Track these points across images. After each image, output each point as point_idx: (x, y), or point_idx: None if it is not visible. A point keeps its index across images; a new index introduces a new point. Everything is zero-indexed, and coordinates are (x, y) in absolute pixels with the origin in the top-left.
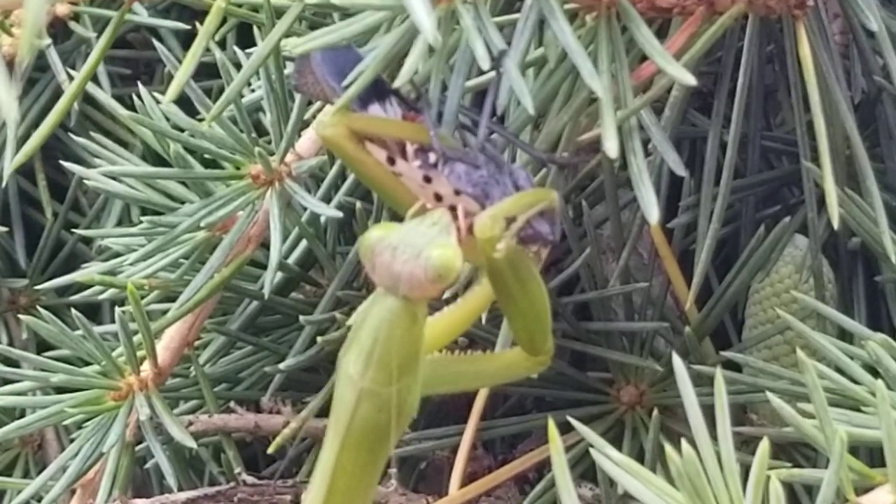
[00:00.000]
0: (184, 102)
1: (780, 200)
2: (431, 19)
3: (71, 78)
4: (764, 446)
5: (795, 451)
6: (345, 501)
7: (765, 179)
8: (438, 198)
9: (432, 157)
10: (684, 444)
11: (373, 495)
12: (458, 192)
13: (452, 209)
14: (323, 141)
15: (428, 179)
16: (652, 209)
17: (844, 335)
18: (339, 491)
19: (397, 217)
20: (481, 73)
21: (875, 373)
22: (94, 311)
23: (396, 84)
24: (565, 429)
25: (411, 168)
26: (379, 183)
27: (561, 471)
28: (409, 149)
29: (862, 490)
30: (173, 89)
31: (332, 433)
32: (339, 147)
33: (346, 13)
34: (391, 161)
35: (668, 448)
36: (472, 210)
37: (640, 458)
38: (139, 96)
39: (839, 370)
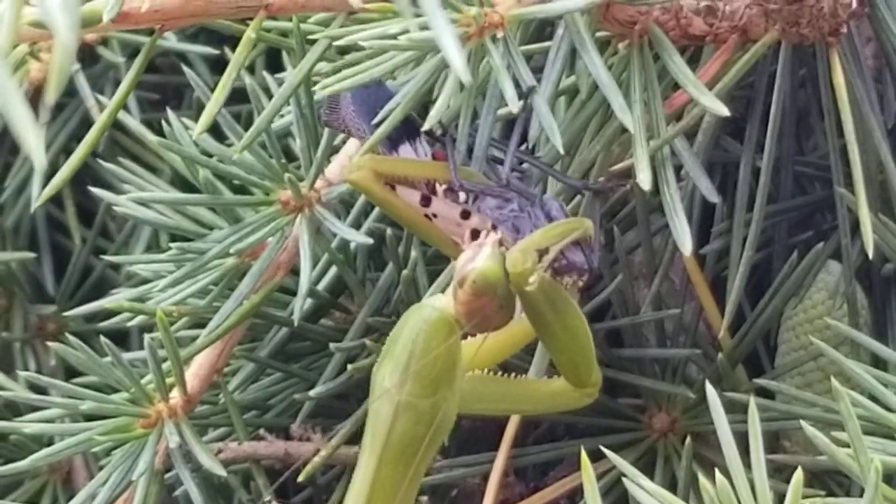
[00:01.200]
0: (213, 128)
1: (812, 226)
2: (463, 58)
3: (99, 103)
4: (798, 475)
5: (829, 478)
6: None
7: (797, 205)
8: (475, 235)
9: (462, 196)
10: (717, 473)
11: None
12: (494, 227)
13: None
14: (350, 184)
15: (466, 215)
16: (685, 239)
17: (878, 362)
18: None
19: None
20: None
21: None
22: (122, 338)
23: (426, 126)
24: (597, 456)
25: (448, 206)
26: (411, 222)
27: (593, 499)
28: (439, 189)
29: None
30: (204, 120)
31: (368, 449)
32: (366, 190)
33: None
34: (426, 200)
35: (702, 477)
36: (507, 242)
37: (672, 486)
38: (168, 122)
39: (873, 398)
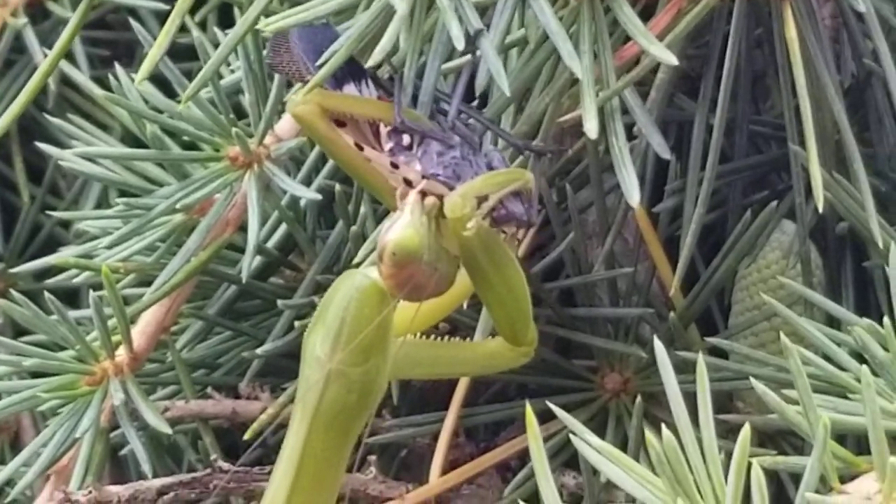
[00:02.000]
0: (162, 84)
1: (767, 185)
2: None
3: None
4: (745, 432)
5: (783, 440)
6: (314, 485)
7: (752, 164)
8: (408, 182)
9: (406, 139)
10: (665, 430)
11: (342, 478)
12: (425, 177)
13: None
14: (294, 119)
15: (395, 166)
16: (633, 192)
17: (832, 322)
18: (309, 474)
19: (375, 200)
20: (463, 54)
21: (861, 359)
22: (73, 296)
23: (369, 63)
24: (548, 416)
25: (379, 154)
26: (351, 165)
27: (539, 458)
28: (383, 130)
29: (847, 478)
30: (146, 67)
31: (299, 416)
32: (310, 125)
33: None
34: (359, 147)
35: (649, 434)
36: (442, 193)
37: (624, 446)
38: (116, 77)
39: (826, 357)
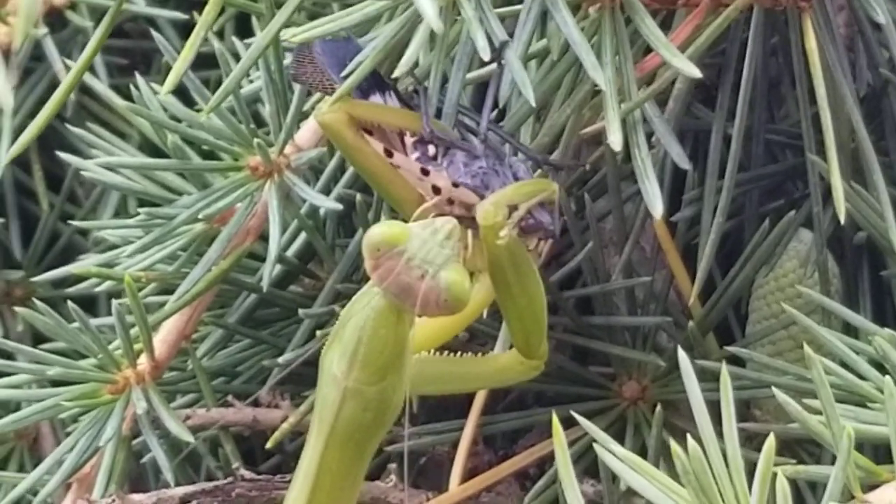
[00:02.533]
0: (181, 93)
1: (784, 194)
2: (435, 6)
3: (67, 68)
4: (770, 443)
5: (800, 447)
6: (330, 501)
7: (769, 173)
8: (437, 190)
9: (432, 149)
10: (690, 440)
11: (357, 495)
12: (456, 185)
13: (461, 219)
14: (321, 127)
15: (426, 172)
16: (656, 203)
17: (849, 330)
18: (324, 490)
19: (396, 212)
20: (483, 64)
21: (881, 368)
22: (90, 304)
23: (396, 74)
24: (567, 424)
25: (409, 161)
26: (376, 174)
27: (564, 466)
28: (408, 140)
29: (868, 487)
30: (171, 79)
31: (315, 432)
32: (337, 134)
33: (346, 3)
34: (388, 153)
35: (674, 444)
36: (471, 202)
37: (642, 454)
38: (136, 87)
39: (845, 365)
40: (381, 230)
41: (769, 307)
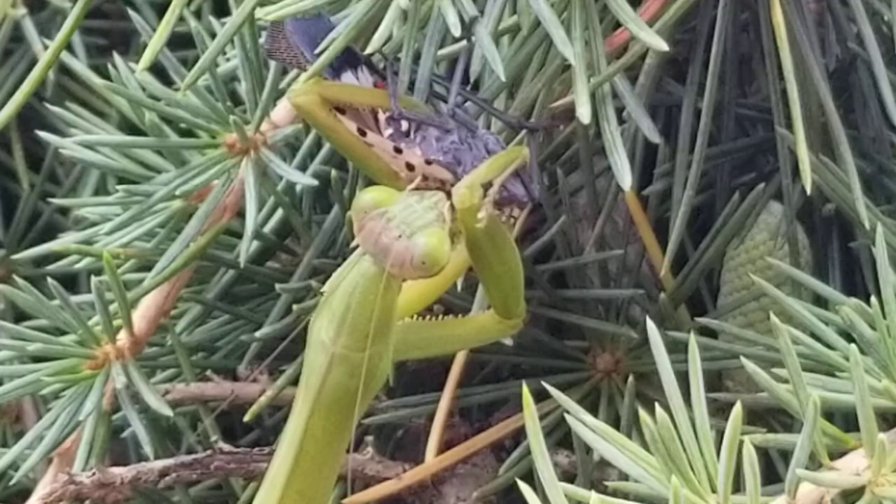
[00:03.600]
0: (160, 73)
1: (755, 168)
2: None
3: (47, 49)
4: (737, 410)
5: (772, 418)
6: (314, 467)
7: (740, 147)
8: (410, 167)
9: (405, 125)
10: (658, 409)
11: (342, 461)
12: (429, 162)
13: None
14: (295, 109)
15: (398, 150)
16: (625, 175)
17: (819, 301)
18: (309, 456)
19: (373, 185)
20: (456, 41)
21: (849, 338)
22: (72, 282)
23: (368, 51)
24: (541, 396)
25: (382, 140)
26: (352, 151)
27: (535, 436)
28: (381, 117)
29: (837, 454)
30: (146, 57)
31: (301, 399)
32: (311, 115)
33: None
34: (361, 132)
35: (643, 413)
36: (444, 178)
37: (615, 426)
38: (114, 66)
39: (814, 336)
40: (371, 194)
41: (740, 279)
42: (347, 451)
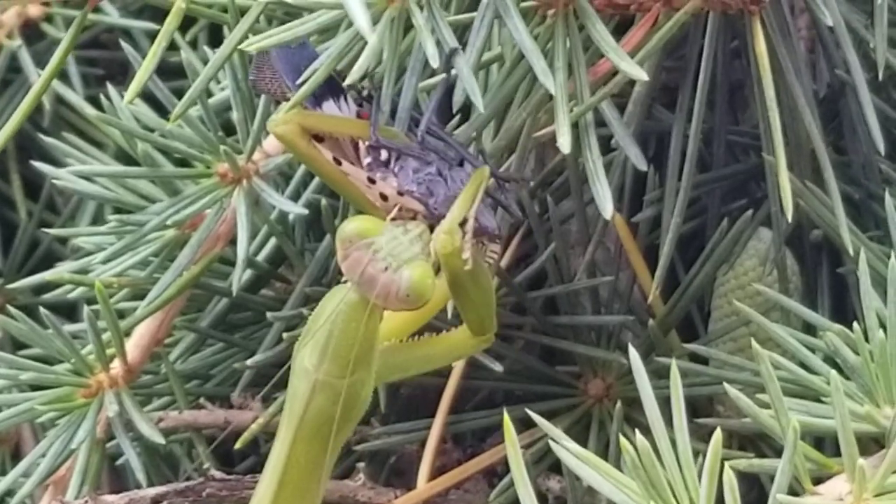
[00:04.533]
0: (155, 102)
1: (746, 194)
2: (365, 16)
3: None
4: (717, 435)
5: (763, 443)
6: (296, 494)
7: (730, 173)
8: (384, 197)
9: (384, 154)
10: (638, 434)
11: (324, 488)
12: (401, 193)
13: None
14: (276, 138)
15: (371, 181)
16: (607, 204)
17: (809, 327)
18: (292, 483)
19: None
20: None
21: (836, 364)
22: (71, 311)
23: (347, 82)
24: (534, 423)
25: (356, 169)
26: (333, 180)
27: (516, 462)
28: (362, 146)
29: (822, 480)
30: (133, 89)
31: (285, 426)
32: (291, 144)
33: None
34: (337, 161)
35: (623, 440)
36: (417, 209)
37: (606, 451)
38: (107, 97)
39: (800, 362)
40: (356, 224)
41: (730, 305)
42: (339, 477)
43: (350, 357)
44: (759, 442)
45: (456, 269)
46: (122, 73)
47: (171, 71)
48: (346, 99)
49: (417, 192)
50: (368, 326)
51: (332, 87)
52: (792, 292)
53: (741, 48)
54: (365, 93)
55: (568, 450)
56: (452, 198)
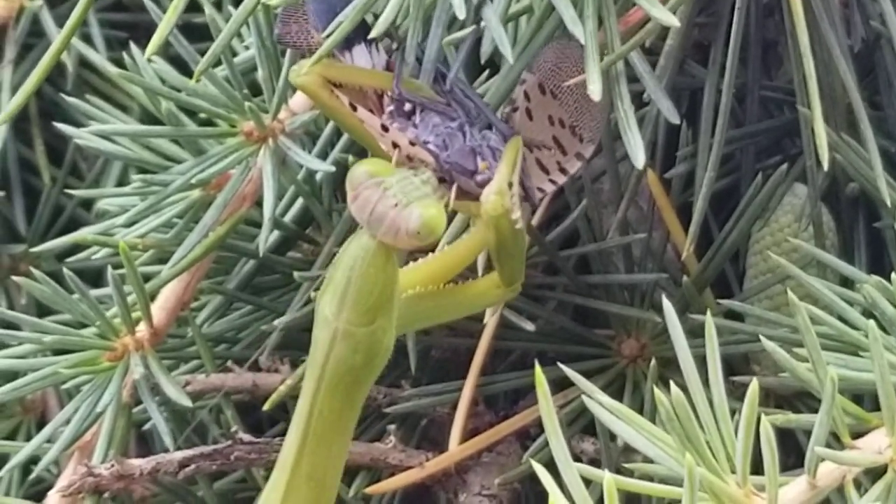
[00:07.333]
0: (180, 63)
1: (781, 150)
2: None
3: None
4: (753, 388)
5: (800, 402)
6: (322, 445)
7: (764, 129)
8: (395, 146)
9: (408, 105)
10: (673, 387)
11: (349, 440)
12: (413, 143)
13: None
14: (298, 87)
15: (385, 128)
16: (639, 153)
17: (846, 283)
18: (317, 435)
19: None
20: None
21: (873, 317)
22: (97, 275)
23: (372, 35)
24: (567, 384)
25: (370, 116)
26: (355, 129)
27: (549, 415)
28: (386, 98)
29: (861, 434)
30: (154, 42)
31: (308, 377)
32: (313, 94)
33: None
34: (353, 108)
35: (658, 393)
36: (427, 160)
37: (640, 411)
38: (131, 55)
39: (838, 316)
40: (366, 166)
41: (765, 262)
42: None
43: (369, 304)
44: (796, 402)
45: (504, 230)
46: (146, 37)
47: (196, 32)
48: (377, 46)
49: (433, 143)
50: (387, 272)
51: (363, 33)
52: (828, 248)
53: (774, 5)
54: (395, 45)
55: (602, 404)
56: (467, 152)
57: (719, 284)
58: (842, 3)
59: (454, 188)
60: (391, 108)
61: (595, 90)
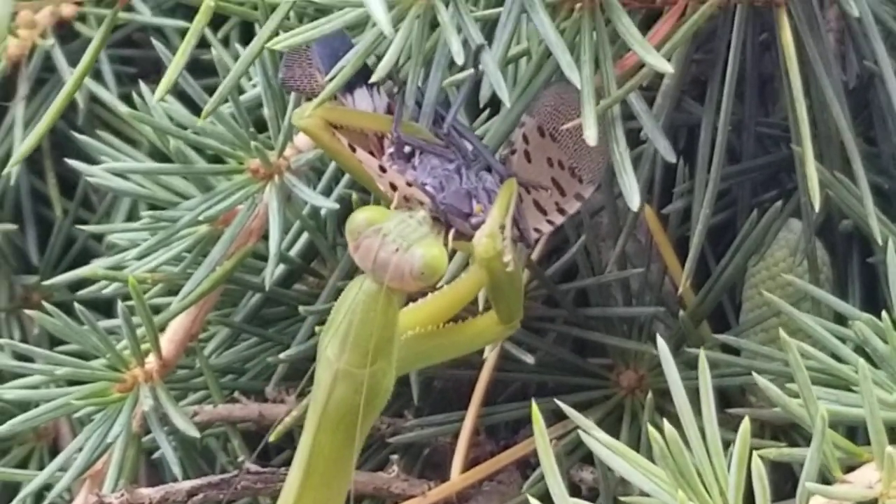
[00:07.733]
0: (187, 100)
1: (777, 185)
2: (384, 11)
3: None
4: (745, 424)
5: (797, 433)
6: (322, 483)
7: (760, 164)
8: (393, 187)
9: (407, 148)
10: (666, 423)
11: (350, 478)
12: (409, 184)
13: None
14: (300, 130)
15: (383, 169)
16: (633, 196)
17: (840, 317)
18: (318, 472)
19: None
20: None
21: (866, 354)
22: (108, 308)
23: (373, 79)
24: (566, 414)
25: (368, 157)
26: (357, 171)
27: (545, 452)
28: (386, 140)
29: (852, 468)
30: (163, 86)
31: (310, 416)
32: (315, 136)
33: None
34: (352, 149)
35: (651, 429)
36: (423, 201)
37: (639, 442)
38: (140, 94)
39: (831, 353)
40: (363, 214)
41: (761, 295)
42: (372, 470)
43: (370, 346)
44: (791, 432)
45: (497, 272)
46: (155, 72)
47: (203, 69)
48: (378, 89)
49: (430, 185)
50: (387, 315)
51: (365, 76)
52: (822, 283)
53: (770, 41)
54: (395, 89)
55: (598, 439)
56: (462, 195)
57: (716, 317)
58: (837, 39)
59: (453, 229)
60: (391, 150)
61: (591, 136)
